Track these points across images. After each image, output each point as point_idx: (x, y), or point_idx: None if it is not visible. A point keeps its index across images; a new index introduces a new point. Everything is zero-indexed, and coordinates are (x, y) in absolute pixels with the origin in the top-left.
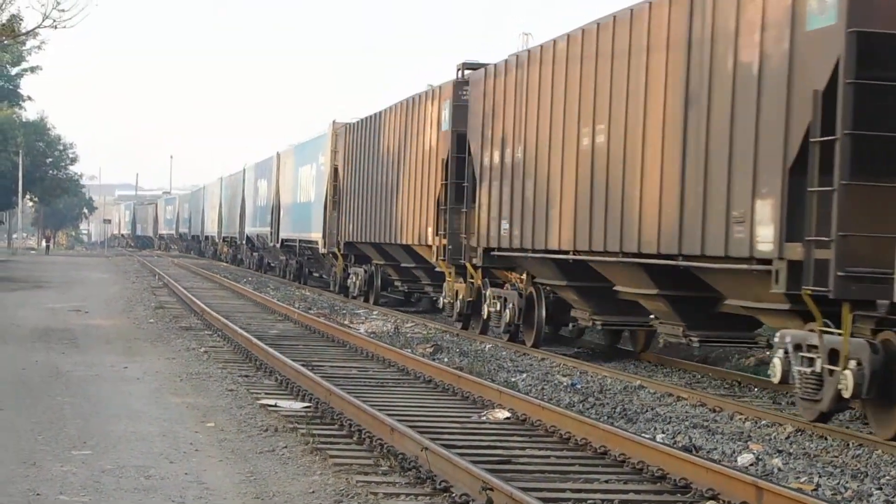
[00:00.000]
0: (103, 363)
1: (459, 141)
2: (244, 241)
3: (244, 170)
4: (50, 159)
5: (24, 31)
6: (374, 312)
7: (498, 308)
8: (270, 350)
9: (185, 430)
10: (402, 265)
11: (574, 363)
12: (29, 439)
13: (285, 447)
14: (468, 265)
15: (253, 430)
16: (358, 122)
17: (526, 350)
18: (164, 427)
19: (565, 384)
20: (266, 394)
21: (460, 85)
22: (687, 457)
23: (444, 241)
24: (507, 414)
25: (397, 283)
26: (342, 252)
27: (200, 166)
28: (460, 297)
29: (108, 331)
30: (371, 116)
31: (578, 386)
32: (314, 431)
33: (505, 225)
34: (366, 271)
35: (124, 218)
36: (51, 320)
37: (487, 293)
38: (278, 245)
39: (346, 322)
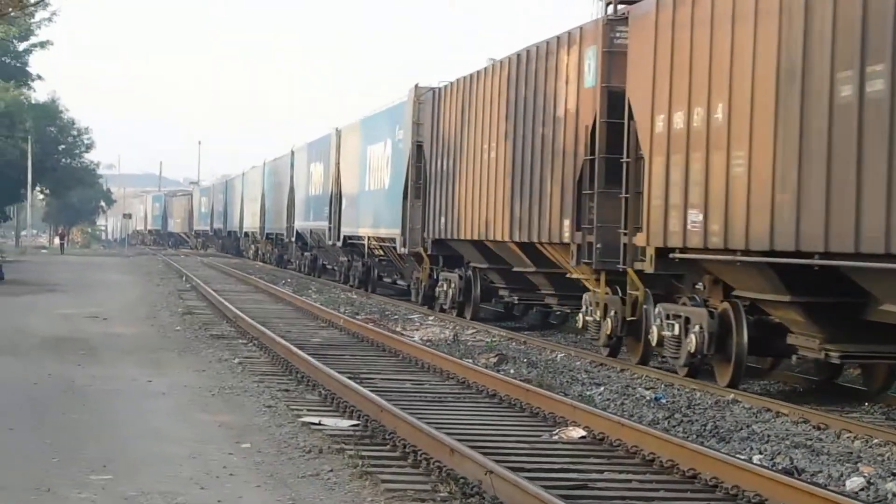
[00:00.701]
0: (124, 376)
1: (612, 101)
2: (292, 239)
3: (292, 152)
4: (62, 146)
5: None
6: (430, 318)
7: (675, 332)
8: (313, 361)
9: (218, 452)
10: (515, 269)
11: (658, 374)
12: (42, 462)
13: (331, 471)
14: (630, 272)
15: (294, 451)
16: (452, 83)
17: (603, 360)
18: (193, 448)
19: (648, 398)
20: (309, 410)
21: (613, 24)
22: (788, 481)
23: (590, 238)
24: (583, 432)
25: (503, 293)
26: (429, 252)
27: (231, 155)
28: (611, 314)
29: (130, 340)
30: (472, 76)
31: (663, 400)
32: (363, 453)
33: (695, 216)
34: (461, 277)
35: (151, 211)
36: (65, 328)
37: (656, 310)
38: (338, 243)
39: (398, 329)
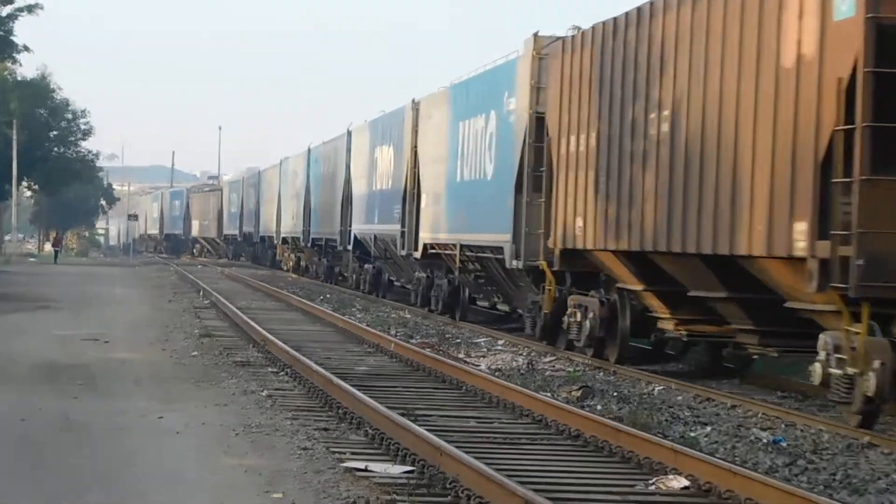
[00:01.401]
0: (131, 411)
1: (883, 41)
2: (348, 247)
3: (349, 132)
4: (54, 132)
5: None
6: (500, 342)
7: None
8: (358, 394)
9: (244, 503)
10: (692, 293)
11: (776, 412)
12: None
13: None
14: None
15: (336, 502)
16: (596, 27)
17: (711, 394)
18: (214, 498)
19: (765, 441)
20: (353, 454)
21: None
22: None
23: (844, 251)
24: (685, 482)
25: (666, 325)
26: (557, 268)
27: (255, 145)
28: (875, 366)
29: (138, 367)
30: (630, 15)
31: (783, 443)
32: None
33: None
34: (603, 303)
35: (169, 211)
36: (59, 353)
37: None
38: (415, 254)
39: (460, 355)
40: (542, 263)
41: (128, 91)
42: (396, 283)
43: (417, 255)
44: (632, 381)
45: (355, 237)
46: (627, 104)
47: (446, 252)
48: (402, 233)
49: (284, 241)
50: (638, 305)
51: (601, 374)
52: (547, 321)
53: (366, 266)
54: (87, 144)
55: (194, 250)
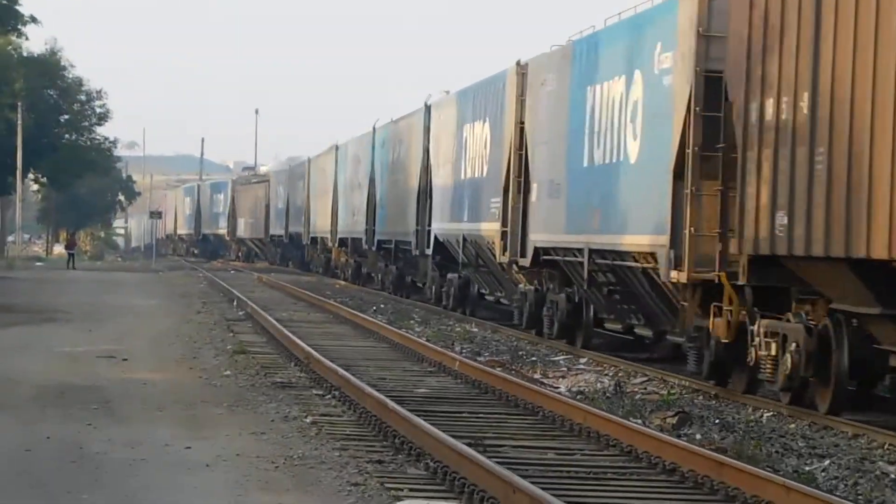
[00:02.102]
0: (153, 441)
1: None
2: (427, 251)
3: (426, 108)
4: (66, 116)
5: None
6: (583, 360)
7: None
8: (416, 420)
9: None
10: None
11: None
12: None
13: None
14: None
15: None
16: None
17: (828, 422)
18: None
19: (893, 476)
20: (411, 490)
21: None
22: None
23: None
24: None
25: None
26: (742, 282)
27: (292, 134)
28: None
29: (160, 389)
30: None
31: None
32: None
33: None
34: (811, 331)
35: (210, 206)
36: (70, 373)
37: None
38: (521, 261)
39: (536, 375)
40: (720, 276)
41: (149, 70)
42: (489, 298)
43: (525, 262)
44: (736, 406)
45: (436, 238)
46: (866, 46)
47: (567, 259)
48: (503, 233)
49: (342, 242)
50: (859, 335)
51: (700, 397)
52: (720, 354)
53: (449, 276)
54: (103, 130)
55: (239, 254)
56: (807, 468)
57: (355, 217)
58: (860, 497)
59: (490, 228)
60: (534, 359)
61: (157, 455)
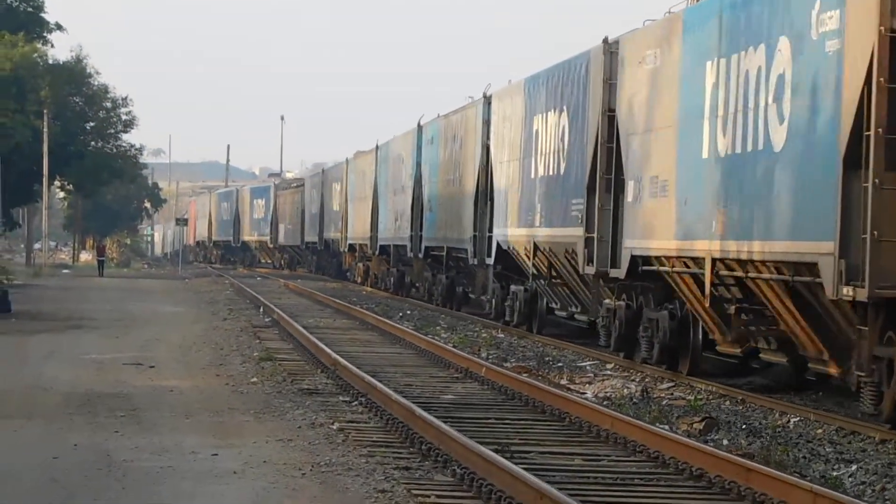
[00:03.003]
0: (181, 448)
1: None
2: (484, 260)
3: (485, 98)
4: (91, 124)
5: None
6: (609, 366)
7: None
8: (444, 427)
9: None
10: None
11: None
12: None
13: None
14: None
15: None
16: None
17: (856, 427)
18: None
19: None
20: (438, 497)
21: None
22: None
23: None
24: None
25: None
26: None
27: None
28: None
29: (188, 396)
30: None
31: None
32: None
33: None
34: None
35: (251, 211)
36: (96, 380)
37: None
38: (613, 273)
39: (563, 381)
40: None
41: (174, 77)
42: (559, 313)
43: (619, 273)
44: (763, 411)
45: (498, 246)
46: None
47: (677, 271)
48: (588, 240)
49: (382, 250)
50: None
51: (727, 403)
52: None
53: (513, 288)
54: (129, 138)
55: (283, 260)
56: (834, 473)
57: (398, 222)
58: (888, 502)
59: (570, 234)
60: (560, 364)
61: (185, 462)
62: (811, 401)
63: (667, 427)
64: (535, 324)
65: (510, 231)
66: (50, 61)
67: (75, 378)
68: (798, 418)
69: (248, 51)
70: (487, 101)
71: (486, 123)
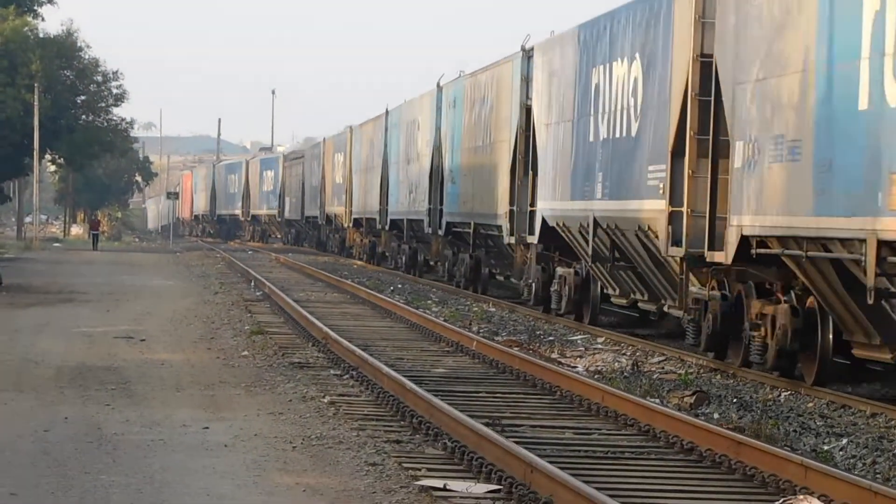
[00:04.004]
0: (171, 421)
1: None
2: (523, 238)
3: (524, 52)
4: (82, 97)
5: None
6: (600, 340)
7: None
8: (434, 400)
9: None
10: None
11: None
12: None
13: None
14: None
15: None
16: None
17: (846, 401)
18: None
19: None
20: (429, 470)
21: None
22: None
23: None
24: (818, 503)
25: None
26: None
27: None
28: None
29: (178, 370)
30: None
31: None
32: None
33: None
34: None
35: (261, 184)
36: (88, 353)
37: None
38: (714, 256)
39: (553, 355)
40: None
41: (165, 51)
42: (617, 301)
43: (723, 257)
44: (754, 385)
45: (543, 222)
46: None
47: (814, 256)
48: (675, 215)
49: (393, 225)
50: None
51: (718, 377)
52: None
53: (559, 272)
54: (120, 111)
55: (290, 235)
56: (825, 447)
57: (413, 195)
58: (878, 476)
59: (645, 208)
60: (551, 338)
61: (176, 436)
62: (799, 374)
63: (658, 401)
64: (588, 313)
65: (560, 205)
66: (41, 35)
67: (66, 351)
68: (789, 392)
69: (239, 25)
70: (527, 54)
71: (526, 80)
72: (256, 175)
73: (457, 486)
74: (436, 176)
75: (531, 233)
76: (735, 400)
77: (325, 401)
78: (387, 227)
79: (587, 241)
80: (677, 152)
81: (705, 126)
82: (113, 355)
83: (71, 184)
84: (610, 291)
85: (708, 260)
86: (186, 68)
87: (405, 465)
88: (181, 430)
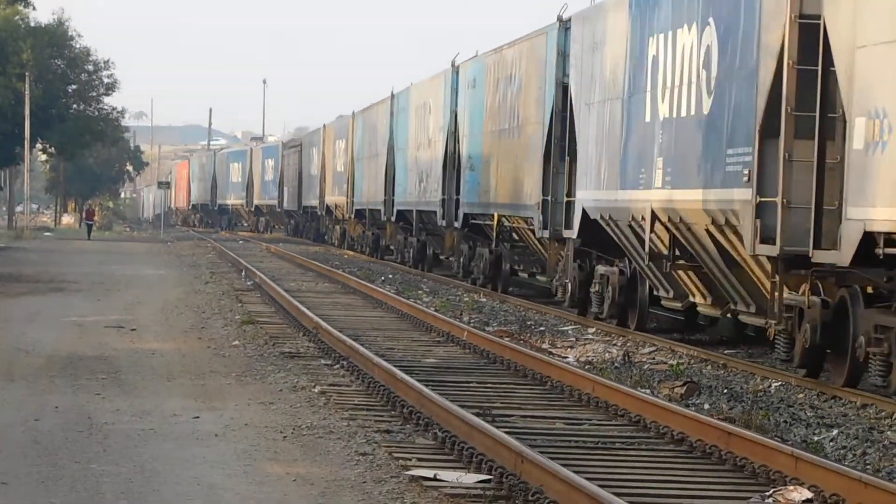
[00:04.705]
0: (162, 411)
1: None
2: (557, 232)
3: (560, 23)
4: (73, 86)
5: None
6: (591, 330)
7: None
8: (425, 390)
9: None
10: None
11: None
12: None
13: None
14: None
15: None
16: None
17: (837, 391)
18: None
19: None
20: (419, 460)
21: None
22: None
23: None
24: (808, 494)
25: None
26: None
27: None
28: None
29: (169, 359)
30: None
31: None
32: None
33: None
34: None
35: (262, 173)
36: (78, 343)
37: None
38: (825, 255)
39: (544, 345)
40: None
41: (157, 41)
42: (671, 305)
43: (840, 258)
44: (745, 375)
45: (584, 215)
46: None
47: None
48: (765, 206)
49: (399, 216)
50: None
51: (709, 367)
52: None
53: (601, 270)
54: (111, 100)
55: (290, 225)
56: (815, 438)
57: (423, 184)
58: (868, 467)
59: (725, 199)
60: (542, 328)
61: (166, 425)
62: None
63: (648, 391)
64: (634, 317)
65: (606, 195)
66: (32, 24)
67: (57, 340)
68: (780, 383)
69: (231, 14)
70: (564, 25)
71: (562, 55)
72: (260, 164)
73: (447, 475)
74: (451, 163)
75: (568, 226)
76: (725, 391)
77: (316, 390)
78: (392, 219)
79: (642, 237)
80: (767, 133)
81: (805, 101)
82: (104, 345)
83: (62, 173)
84: (662, 294)
85: (815, 260)
86: (179, 58)
87: (395, 454)
88: (172, 420)
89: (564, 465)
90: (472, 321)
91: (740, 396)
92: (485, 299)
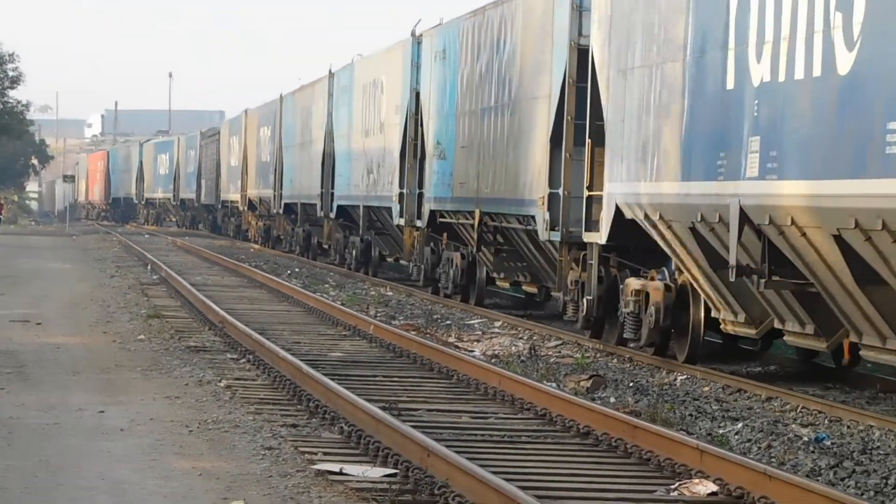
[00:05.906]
0: (67, 405)
1: None
2: (568, 236)
3: None
4: None
5: None
6: (497, 324)
7: None
8: (331, 384)
9: None
10: None
11: (818, 405)
12: None
13: None
14: None
15: None
16: None
17: (742, 385)
18: None
19: (805, 439)
20: (325, 454)
21: None
22: None
23: None
24: (714, 487)
25: None
26: None
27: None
28: None
29: (75, 353)
30: None
31: (827, 442)
32: None
33: None
34: None
35: (183, 164)
36: None
37: None
38: None
39: (451, 339)
40: None
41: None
42: (736, 331)
43: None
44: (650, 369)
45: (617, 213)
46: None
47: None
48: None
49: (340, 212)
50: None
51: (615, 361)
52: None
53: (634, 286)
54: (16, 94)
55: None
56: (720, 431)
57: (374, 175)
58: (773, 459)
59: (870, 192)
60: (448, 322)
61: (72, 419)
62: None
63: (554, 385)
64: (685, 347)
65: (654, 188)
66: None
67: None
68: (685, 376)
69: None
70: None
71: (578, 10)
72: (182, 155)
73: (353, 470)
74: (411, 151)
75: (590, 228)
76: (631, 384)
77: (222, 385)
78: (331, 216)
79: (710, 243)
80: None
81: None
82: (8, 339)
83: None
84: (726, 316)
85: None
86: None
87: (302, 449)
88: (77, 414)
89: (471, 459)
90: (378, 315)
91: (646, 389)
92: (391, 293)
